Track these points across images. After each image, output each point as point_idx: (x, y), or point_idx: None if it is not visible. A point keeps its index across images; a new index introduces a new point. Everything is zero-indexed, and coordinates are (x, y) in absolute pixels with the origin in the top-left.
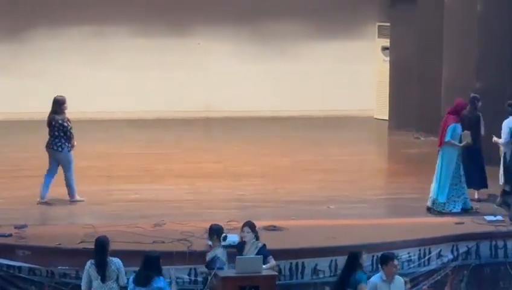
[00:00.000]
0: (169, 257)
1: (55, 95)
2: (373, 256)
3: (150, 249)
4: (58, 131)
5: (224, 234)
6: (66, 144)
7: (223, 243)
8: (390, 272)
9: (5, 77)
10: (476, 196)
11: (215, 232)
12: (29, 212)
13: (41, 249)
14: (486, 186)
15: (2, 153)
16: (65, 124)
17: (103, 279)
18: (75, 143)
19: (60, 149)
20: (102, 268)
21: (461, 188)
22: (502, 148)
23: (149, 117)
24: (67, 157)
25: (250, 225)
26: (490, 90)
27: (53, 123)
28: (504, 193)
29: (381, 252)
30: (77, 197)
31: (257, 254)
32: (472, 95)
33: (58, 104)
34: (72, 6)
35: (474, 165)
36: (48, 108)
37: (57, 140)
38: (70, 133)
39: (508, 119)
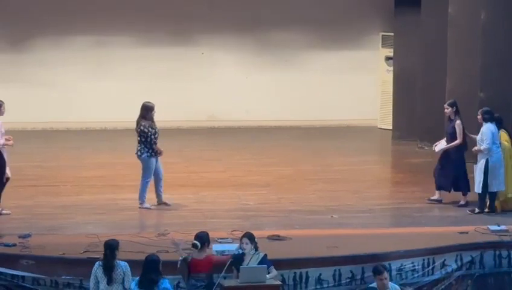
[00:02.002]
0: (173, 266)
1: (144, 101)
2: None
3: (149, 253)
4: (140, 136)
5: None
6: (146, 149)
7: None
8: (380, 285)
9: (8, 86)
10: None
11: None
12: (33, 222)
13: (45, 258)
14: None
15: None
16: (145, 129)
17: (109, 281)
18: (161, 149)
19: (139, 153)
20: (109, 270)
21: None
22: (478, 155)
23: None
24: (145, 162)
25: (249, 236)
26: (494, 99)
27: (136, 128)
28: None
29: (388, 262)
30: (143, 205)
31: (259, 264)
32: (450, 102)
33: (145, 110)
34: (76, 16)
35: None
36: (51, 117)
37: (138, 145)
38: (151, 139)
39: (487, 125)
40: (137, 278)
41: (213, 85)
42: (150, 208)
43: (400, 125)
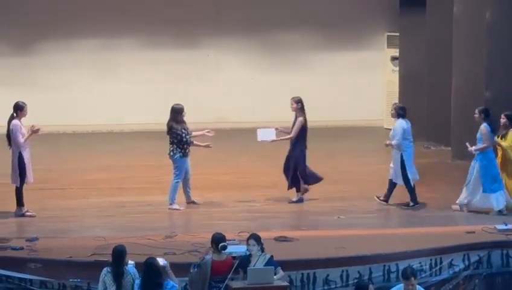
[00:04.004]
0: (180, 268)
1: (173, 104)
2: (384, 266)
3: (157, 255)
4: (173, 138)
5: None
6: (178, 149)
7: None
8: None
9: (15, 89)
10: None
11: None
12: (40, 225)
13: (53, 262)
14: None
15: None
16: (179, 132)
17: (118, 288)
18: (203, 145)
19: (171, 154)
20: (118, 277)
21: None
22: (393, 149)
23: (159, 129)
24: (177, 163)
25: (255, 238)
26: (500, 98)
27: (168, 132)
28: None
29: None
30: (173, 206)
31: (265, 265)
32: (296, 98)
33: (175, 113)
34: (82, 20)
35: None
36: (57, 120)
37: (171, 146)
38: (186, 140)
39: (399, 121)
40: (138, 281)
41: (219, 87)
42: (179, 209)
43: None
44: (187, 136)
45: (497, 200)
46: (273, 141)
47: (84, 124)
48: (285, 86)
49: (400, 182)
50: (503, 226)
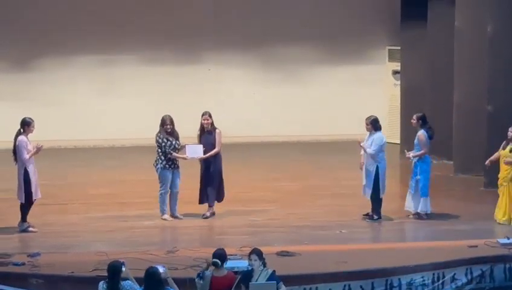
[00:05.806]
0: (182, 284)
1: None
2: (386, 280)
3: (149, 266)
4: (156, 147)
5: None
6: (160, 160)
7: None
8: None
9: (16, 105)
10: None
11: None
12: (42, 241)
13: (55, 277)
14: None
15: (13, 181)
16: (159, 140)
17: None
18: (181, 157)
19: (154, 164)
20: None
21: None
22: (367, 162)
23: None
24: (158, 174)
25: (257, 253)
26: (502, 112)
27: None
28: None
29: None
30: (162, 217)
31: (267, 280)
32: (208, 112)
33: (161, 123)
34: (82, 35)
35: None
36: (58, 135)
37: (155, 156)
38: (165, 150)
39: (379, 133)
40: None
41: (220, 101)
42: (167, 219)
43: (407, 139)
44: (167, 148)
45: (427, 204)
46: (201, 158)
47: (85, 139)
48: (286, 100)
49: (369, 196)
50: (505, 240)
